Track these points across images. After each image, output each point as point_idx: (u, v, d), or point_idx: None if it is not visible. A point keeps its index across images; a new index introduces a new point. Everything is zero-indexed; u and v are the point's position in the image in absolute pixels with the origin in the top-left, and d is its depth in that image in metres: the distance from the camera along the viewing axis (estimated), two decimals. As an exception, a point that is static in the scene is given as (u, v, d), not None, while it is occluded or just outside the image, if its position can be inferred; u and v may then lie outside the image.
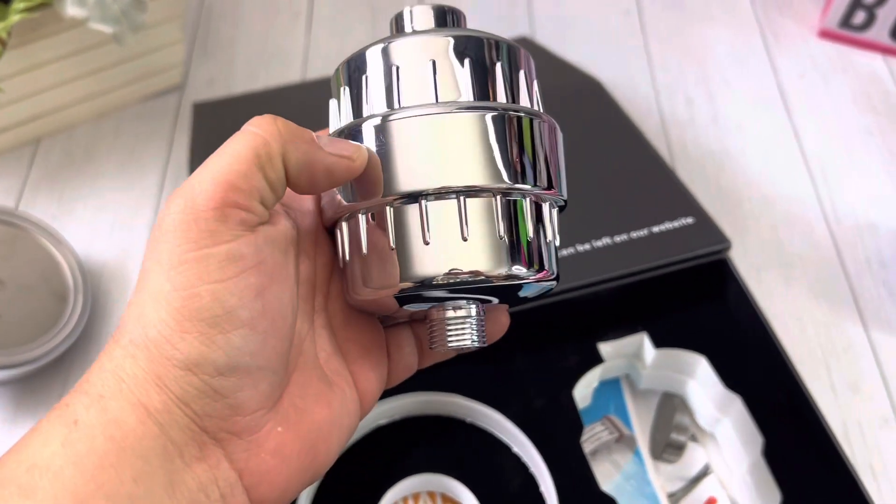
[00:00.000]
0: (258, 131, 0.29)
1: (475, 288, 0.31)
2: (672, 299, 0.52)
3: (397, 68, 0.31)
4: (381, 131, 0.31)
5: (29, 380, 0.53)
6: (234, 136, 0.29)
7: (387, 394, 0.37)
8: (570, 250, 0.51)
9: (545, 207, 0.33)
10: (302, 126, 0.30)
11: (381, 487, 0.45)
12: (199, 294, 0.27)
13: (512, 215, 0.31)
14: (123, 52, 0.63)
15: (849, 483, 0.45)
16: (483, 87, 0.32)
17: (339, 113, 0.33)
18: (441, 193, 0.30)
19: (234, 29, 0.75)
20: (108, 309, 0.56)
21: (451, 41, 0.32)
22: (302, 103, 0.64)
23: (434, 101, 0.31)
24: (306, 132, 0.30)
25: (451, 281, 0.30)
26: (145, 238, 0.60)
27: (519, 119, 0.31)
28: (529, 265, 0.31)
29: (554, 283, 0.33)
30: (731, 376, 0.49)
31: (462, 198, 0.30)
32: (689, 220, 0.53)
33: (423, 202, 0.30)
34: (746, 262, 0.59)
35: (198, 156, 0.58)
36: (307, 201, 0.35)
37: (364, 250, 0.31)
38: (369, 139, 0.31)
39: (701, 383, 0.50)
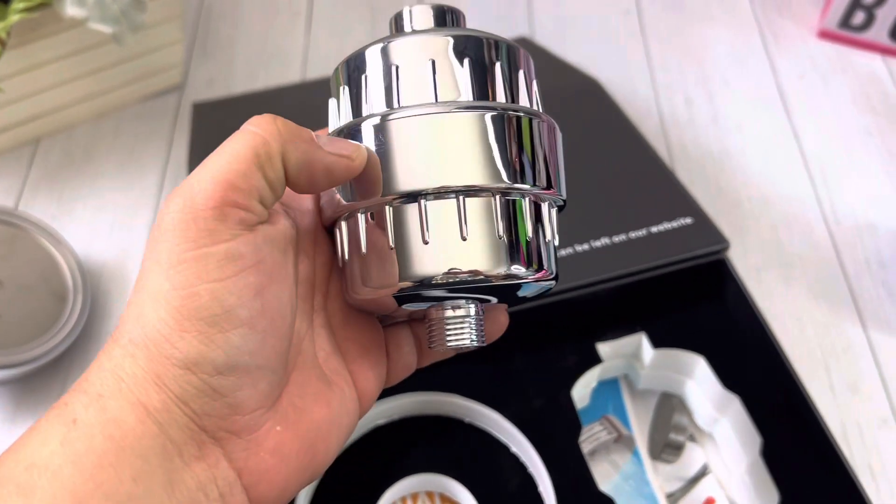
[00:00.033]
0: (257, 131, 0.29)
1: (474, 287, 0.31)
2: (670, 299, 0.52)
3: (397, 68, 0.31)
4: (381, 131, 0.31)
5: (28, 379, 0.53)
6: (234, 136, 0.29)
7: (385, 394, 0.37)
8: (569, 250, 0.51)
9: (544, 207, 0.33)
10: (301, 126, 0.30)
11: (379, 487, 0.45)
12: (198, 293, 0.27)
13: (511, 215, 0.31)
14: (123, 52, 0.64)
15: (847, 483, 0.45)
16: (482, 86, 0.32)
17: (339, 112, 0.33)
18: (440, 193, 0.30)
19: (234, 29, 0.75)
20: (107, 309, 0.56)
21: (451, 41, 0.32)
22: (301, 103, 0.64)
23: (433, 100, 0.31)
24: (306, 131, 0.30)
25: (450, 280, 0.30)
26: (145, 238, 0.60)
27: (518, 119, 0.31)
28: (528, 265, 0.31)
29: (553, 282, 0.33)
30: (730, 376, 0.49)
31: (461, 197, 0.30)
32: (688, 221, 0.53)
33: (423, 202, 0.30)
34: (746, 263, 0.59)
35: (197, 156, 0.58)
36: (306, 201, 0.35)
37: (363, 250, 0.31)
38: (368, 138, 0.31)
39: (699, 383, 0.50)
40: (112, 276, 0.58)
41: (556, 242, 0.34)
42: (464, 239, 0.30)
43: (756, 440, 0.47)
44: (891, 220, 0.62)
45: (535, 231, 0.32)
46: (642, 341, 0.51)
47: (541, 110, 0.33)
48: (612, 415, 0.51)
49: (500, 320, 0.36)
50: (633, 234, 0.52)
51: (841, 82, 0.72)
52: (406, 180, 0.30)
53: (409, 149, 0.30)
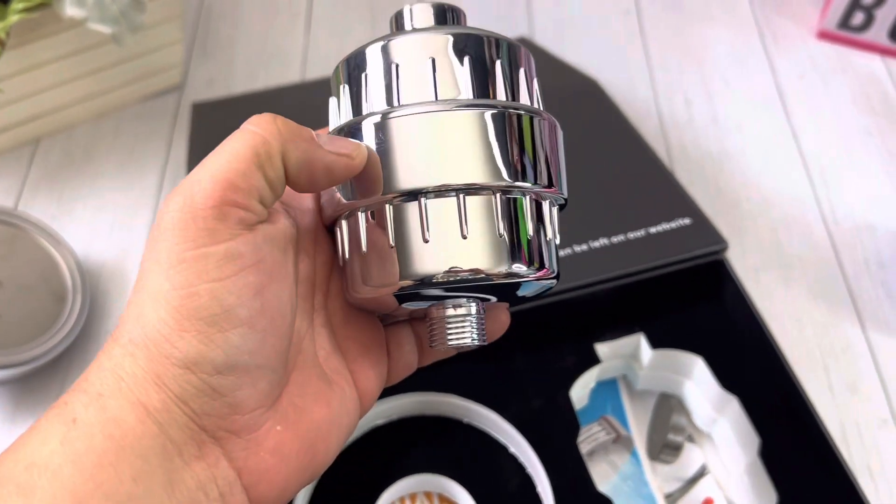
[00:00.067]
0: (258, 130, 0.29)
1: (475, 286, 0.31)
2: (669, 300, 0.52)
3: (397, 66, 0.31)
4: (381, 129, 0.30)
5: (28, 379, 0.53)
6: (234, 135, 0.29)
7: (384, 394, 0.36)
8: (568, 251, 0.51)
9: (545, 206, 0.32)
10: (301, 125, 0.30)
11: (377, 488, 0.45)
12: (198, 293, 0.27)
13: (512, 213, 0.31)
14: (122, 53, 0.64)
15: (846, 484, 0.45)
16: (483, 84, 0.31)
17: (339, 111, 0.33)
18: (440, 191, 0.30)
19: (234, 29, 0.75)
20: (106, 309, 0.56)
21: (451, 39, 0.32)
22: (301, 103, 0.64)
23: (434, 98, 0.31)
24: (306, 130, 0.30)
25: (450, 279, 0.30)
26: (144, 238, 0.60)
27: (519, 117, 0.31)
28: (530, 263, 0.31)
29: (554, 281, 0.33)
30: (728, 377, 0.49)
31: (462, 196, 0.30)
32: (686, 221, 0.53)
33: (423, 200, 0.30)
34: (745, 263, 0.59)
35: (196, 156, 0.58)
36: (307, 199, 0.34)
37: (364, 248, 0.31)
38: (369, 137, 0.31)
39: (698, 384, 0.50)
40: (111, 276, 0.58)
41: (558, 241, 0.33)
42: (464, 237, 0.30)
43: (754, 441, 0.47)
44: (890, 220, 0.62)
45: (536, 229, 0.32)
46: (641, 342, 0.51)
47: (542, 108, 0.33)
48: (610, 415, 0.51)
49: (502, 319, 0.36)
50: (631, 235, 0.52)
51: (840, 83, 0.72)
52: (406, 178, 0.30)
53: (409, 147, 0.30)
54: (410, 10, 0.34)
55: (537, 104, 0.34)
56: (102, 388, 0.27)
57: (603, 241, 0.51)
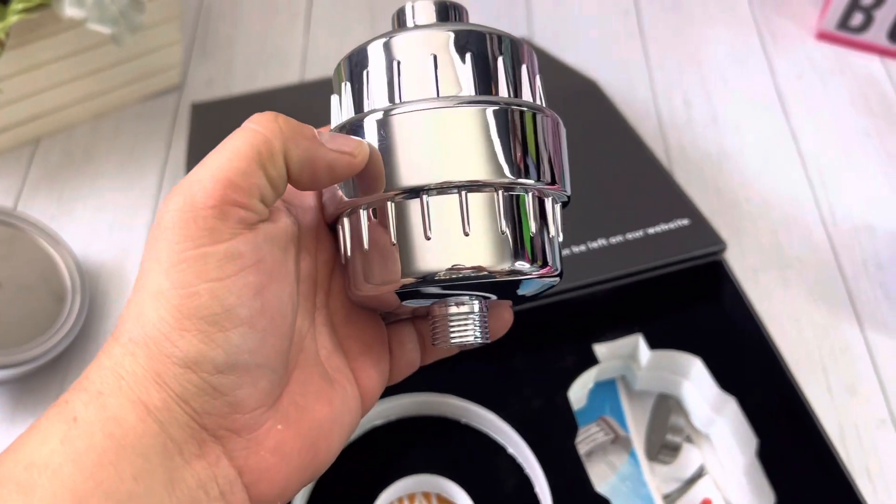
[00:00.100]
0: (259, 128, 0.29)
1: (477, 284, 0.31)
2: (667, 301, 0.52)
3: (398, 63, 0.31)
4: (383, 126, 0.30)
5: (27, 379, 0.53)
6: (235, 134, 0.29)
7: (383, 394, 0.36)
8: (566, 251, 0.51)
9: (548, 203, 0.32)
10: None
11: (376, 488, 0.45)
12: (198, 292, 0.27)
13: (514, 210, 0.31)
14: (122, 53, 0.64)
15: (844, 485, 0.45)
16: (485, 81, 0.31)
17: (341, 108, 0.33)
18: (442, 188, 0.30)
19: (233, 29, 0.75)
20: (106, 309, 0.56)
21: (453, 35, 0.31)
22: (300, 104, 0.64)
23: (435, 95, 0.31)
24: (307, 128, 0.30)
25: (452, 276, 0.30)
26: (144, 238, 0.60)
27: (521, 113, 0.31)
28: (532, 261, 0.31)
29: (557, 279, 0.33)
30: (726, 377, 0.49)
31: (464, 193, 0.30)
32: (685, 222, 0.53)
33: (425, 197, 0.30)
34: (744, 264, 0.59)
35: (196, 156, 0.58)
36: (308, 197, 0.34)
37: (365, 246, 0.31)
38: (371, 134, 0.31)
39: (696, 384, 0.50)
40: (111, 276, 0.58)
41: (561, 238, 0.33)
42: (466, 235, 0.30)
43: (753, 441, 0.47)
44: (889, 221, 0.62)
45: (539, 227, 0.32)
46: (639, 342, 0.51)
47: (544, 105, 0.33)
48: (608, 416, 0.51)
49: (505, 317, 0.36)
50: (630, 236, 0.52)
51: (839, 83, 0.72)
52: (408, 176, 0.30)
53: (410, 144, 0.30)
54: (412, 6, 0.34)
55: (540, 101, 0.33)
56: (103, 387, 0.27)
57: (601, 242, 0.51)
